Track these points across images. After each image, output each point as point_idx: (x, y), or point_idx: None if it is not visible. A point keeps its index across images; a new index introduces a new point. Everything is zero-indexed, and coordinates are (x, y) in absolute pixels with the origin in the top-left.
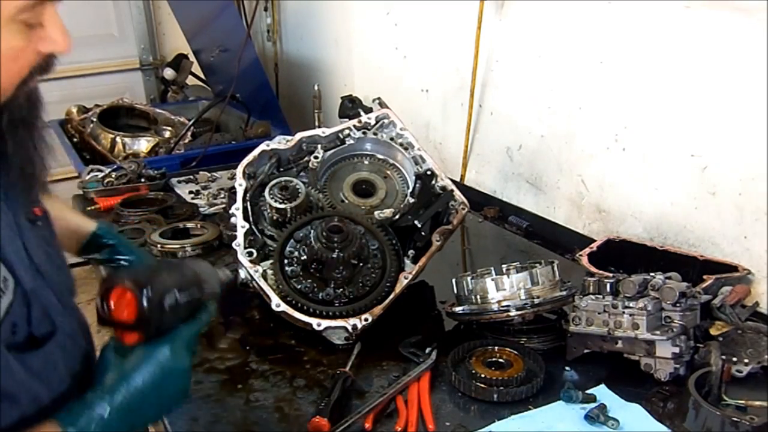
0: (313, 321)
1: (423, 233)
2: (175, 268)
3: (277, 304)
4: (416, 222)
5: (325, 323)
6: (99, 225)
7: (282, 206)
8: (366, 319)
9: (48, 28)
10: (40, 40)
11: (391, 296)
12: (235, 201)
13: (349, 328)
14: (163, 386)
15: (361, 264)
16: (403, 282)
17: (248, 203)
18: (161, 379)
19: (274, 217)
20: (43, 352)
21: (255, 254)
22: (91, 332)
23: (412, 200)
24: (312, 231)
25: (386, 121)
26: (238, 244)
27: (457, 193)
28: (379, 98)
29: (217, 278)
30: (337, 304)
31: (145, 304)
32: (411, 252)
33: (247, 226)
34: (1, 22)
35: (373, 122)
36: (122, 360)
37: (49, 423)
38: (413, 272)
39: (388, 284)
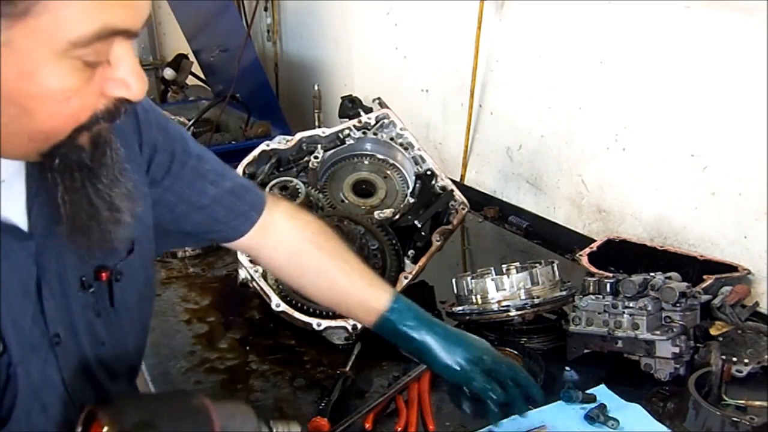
0: (313, 321)
1: (423, 233)
2: (188, 415)
3: (277, 304)
4: (416, 222)
5: (325, 323)
6: (394, 303)
7: None
8: None
9: (117, 68)
10: (106, 81)
11: None
12: None
13: (349, 328)
14: None
15: None
16: (403, 282)
17: None
18: None
19: None
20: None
21: None
22: None
23: (412, 200)
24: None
25: (386, 121)
26: None
27: (457, 193)
28: (379, 98)
29: None
30: None
31: None
32: (411, 252)
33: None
34: (49, 55)
35: (373, 122)
36: None
37: None
38: (413, 272)
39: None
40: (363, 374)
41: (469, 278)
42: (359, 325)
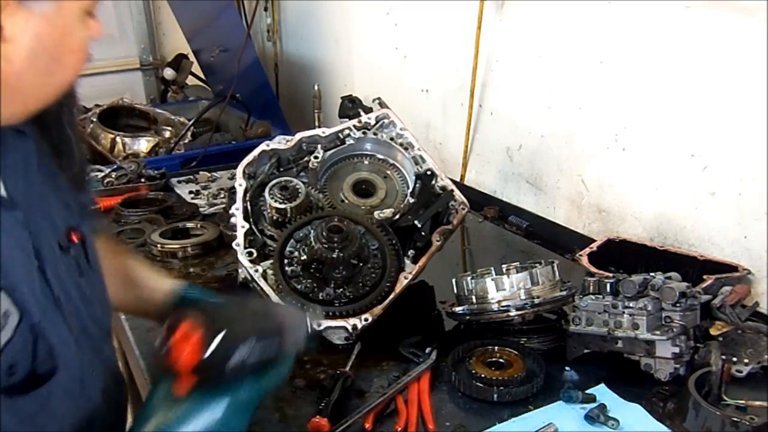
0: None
1: (423, 233)
2: (261, 315)
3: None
4: (416, 222)
5: (325, 323)
6: (185, 288)
7: (282, 206)
8: (366, 319)
9: (93, 16)
10: (88, 29)
11: (391, 296)
12: (235, 201)
13: (349, 328)
14: None
15: (361, 264)
16: (403, 282)
17: (248, 203)
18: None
19: (274, 217)
20: (39, 395)
21: (255, 254)
22: (125, 387)
23: (412, 200)
24: (312, 231)
25: (386, 121)
26: (238, 244)
27: (457, 193)
28: (379, 98)
29: (305, 329)
30: (337, 304)
31: (210, 352)
32: (411, 252)
33: (247, 226)
34: (79, 14)
35: (373, 122)
36: (170, 408)
37: None
38: (413, 272)
39: (388, 284)
40: (363, 374)
41: (469, 278)
42: (359, 325)
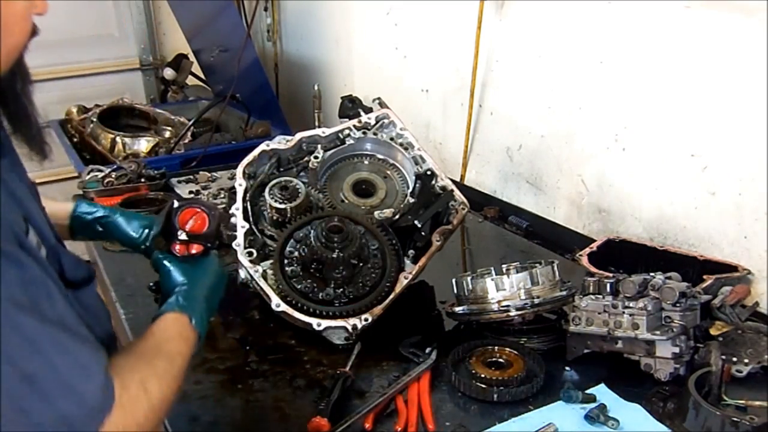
0: (313, 321)
1: (423, 233)
2: None
3: (277, 304)
4: (416, 222)
5: (325, 323)
6: (77, 205)
7: (282, 206)
8: (366, 319)
9: None
10: (31, 5)
11: (391, 296)
12: (235, 201)
13: (349, 328)
14: (220, 283)
15: (361, 264)
16: (403, 282)
17: (248, 203)
18: (219, 279)
19: (274, 217)
20: (85, 293)
21: (255, 254)
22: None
23: (412, 200)
24: (312, 231)
25: (386, 121)
26: (238, 244)
27: (457, 193)
28: (379, 98)
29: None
30: (337, 304)
31: (213, 223)
32: (411, 252)
33: (247, 226)
34: None
35: (373, 122)
36: (194, 266)
37: (174, 315)
38: (413, 272)
39: (388, 284)
40: (363, 374)
41: (469, 278)
42: (359, 325)
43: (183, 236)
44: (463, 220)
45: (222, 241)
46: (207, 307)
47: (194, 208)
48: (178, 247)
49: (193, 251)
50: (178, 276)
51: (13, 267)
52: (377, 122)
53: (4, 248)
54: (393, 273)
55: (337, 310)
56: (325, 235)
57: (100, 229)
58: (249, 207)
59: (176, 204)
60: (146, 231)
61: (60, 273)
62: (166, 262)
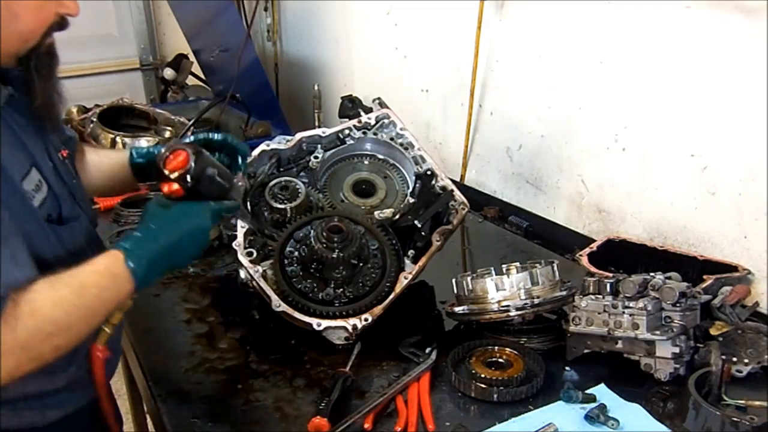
0: (313, 321)
1: (423, 233)
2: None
3: (277, 304)
4: (416, 222)
5: (325, 323)
6: (131, 150)
7: (282, 206)
8: (366, 319)
9: None
10: (58, 5)
11: (391, 296)
12: None
13: (349, 328)
14: (193, 237)
15: (361, 264)
16: (403, 282)
17: (248, 203)
18: (192, 231)
19: (274, 217)
20: (70, 227)
21: (255, 254)
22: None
23: (412, 200)
24: (312, 231)
25: (386, 121)
26: (238, 244)
27: (457, 193)
28: (379, 98)
29: (241, 189)
30: (337, 304)
31: (192, 163)
32: (411, 252)
33: (247, 226)
34: None
35: (373, 122)
36: (165, 210)
37: (113, 252)
38: (413, 272)
39: (388, 284)
40: (363, 374)
41: (469, 278)
42: (359, 325)
43: (166, 175)
44: (463, 220)
45: (196, 189)
46: (159, 252)
47: (179, 149)
48: (165, 187)
49: (165, 189)
50: (143, 216)
51: None
52: (377, 122)
53: None
54: (393, 273)
55: (337, 310)
56: (325, 235)
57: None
58: (249, 207)
59: (168, 145)
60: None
61: (59, 213)
62: (149, 204)
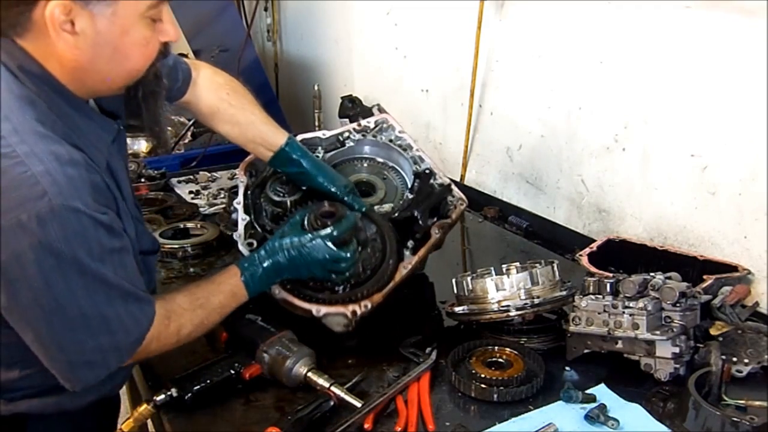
0: (313, 307)
1: (421, 223)
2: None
3: (276, 291)
4: (415, 212)
5: (325, 309)
6: (288, 140)
7: (282, 199)
8: (366, 306)
9: (165, 22)
10: (160, 32)
11: (391, 284)
12: (235, 201)
13: (349, 314)
14: (302, 261)
15: (360, 248)
16: (402, 272)
17: (249, 200)
18: (306, 257)
19: (274, 211)
20: (150, 260)
21: (255, 245)
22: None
23: (410, 196)
24: (306, 218)
25: (385, 125)
26: (239, 234)
27: (456, 189)
28: (378, 105)
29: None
30: (336, 291)
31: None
32: (410, 243)
33: (248, 218)
34: (136, 17)
35: (372, 125)
36: (286, 232)
37: (234, 271)
38: (413, 262)
39: (388, 269)
40: (363, 374)
41: (469, 278)
42: (359, 311)
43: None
44: (462, 215)
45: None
46: (269, 271)
47: (336, 206)
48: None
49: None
50: (275, 238)
51: (107, 233)
52: (376, 126)
53: (103, 219)
54: (393, 257)
55: (337, 297)
56: (318, 221)
57: (298, 171)
58: (250, 203)
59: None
60: (345, 189)
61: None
62: (289, 221)
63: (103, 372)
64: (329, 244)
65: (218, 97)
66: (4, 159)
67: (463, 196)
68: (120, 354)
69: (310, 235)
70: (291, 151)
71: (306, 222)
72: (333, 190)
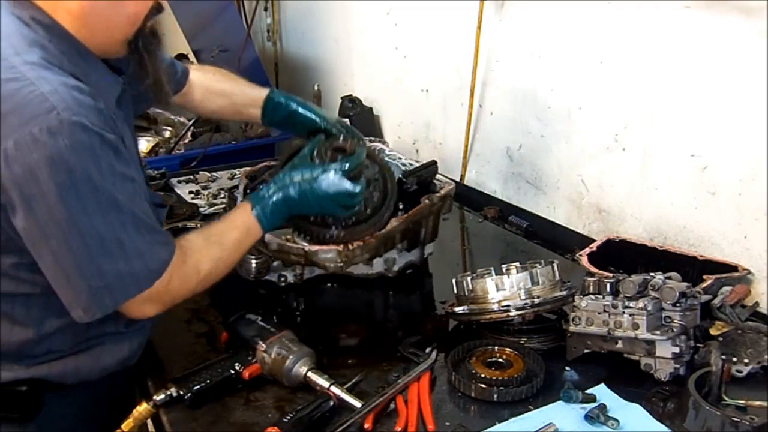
0: (305, 246)
1: (408, 186)
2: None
3: (268, 237)
4: (401, 176)
5: (318, 247)
6: (270, 90)
7: None
8: (359, 246)
9: None
10: None
11: (384, 231)
12: (234, 203)
13: (341, 251)
14: (314, 195)
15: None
16: (393, 224)
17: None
18: (319, 190)
19: None
20: (161, 213)
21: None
22: None
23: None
24: (316, 151)
25: (378, 146)
26: (239, 192)
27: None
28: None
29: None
30: (334, 228)
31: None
32: (401, 205)
33: None
34: None
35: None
36: (298, 165)
37: (245, 206)
38: (403, 218)
39: (388, 210)
40: (363, 374)
41: (469, 278)
42: (351, 248)
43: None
44: (451, 195)
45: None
46: (280, 205)
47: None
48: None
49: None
50: (288, 168)
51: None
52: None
53: (111, 139)
54: (393, 198)
55: (334, 233)
56: (327, 152)
57: (288, 114)
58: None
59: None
60: (340, 125)
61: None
62: (299, 155)
63: (121, 298)
64: (342, 177)
65: (206, 78)
66: (13, 82)
67: (450, 180)
68: (138, 282)
69: (321, 168)
70: (275, 96)
71: (316, 155)
72: (328, 126)
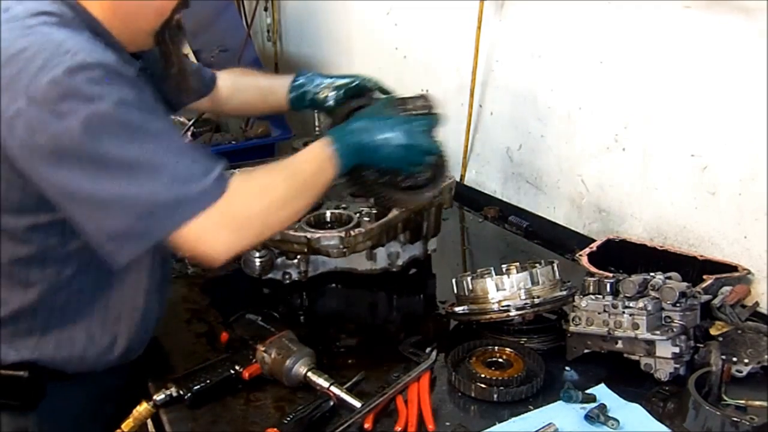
0: (308, 234)
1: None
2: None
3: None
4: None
5: (320, 234)
6: (297, 76)
7: None
8: (360, 232)
9: None
10: None
11: (385, 219)
12: None
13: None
14: (397, 147)
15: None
16: (395, 212)
17: None
18: (394, 132)
19: None
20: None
21: None
22: None
23: None
24: (391, 104)
25: None
26: None
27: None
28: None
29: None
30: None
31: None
32: None
33: None
34: None
35: None
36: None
37: (326, 137)
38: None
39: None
40: (363, 374)
41: (469, 278)
42: (353, 234)
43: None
44: (452, 189)
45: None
46: (361, 143)
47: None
48: None
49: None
50: (369, 108)
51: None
52: None
53: (131, 74)
54: (446, 168)
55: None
56: (406, 105)
57: (316, 87)
58: None
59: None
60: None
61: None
62: (379, 102)
63: (178, 219)
64: (422, 133)
65: (232, 76)
66: (31, 35)
67: (451, 175)
68: (192, 202)
69: (403, 119)
70: (300, 74)
71: (392, 109)
72: (364, 83)
